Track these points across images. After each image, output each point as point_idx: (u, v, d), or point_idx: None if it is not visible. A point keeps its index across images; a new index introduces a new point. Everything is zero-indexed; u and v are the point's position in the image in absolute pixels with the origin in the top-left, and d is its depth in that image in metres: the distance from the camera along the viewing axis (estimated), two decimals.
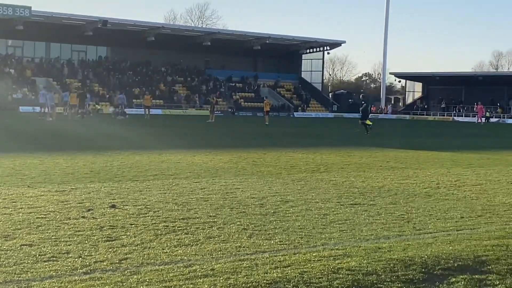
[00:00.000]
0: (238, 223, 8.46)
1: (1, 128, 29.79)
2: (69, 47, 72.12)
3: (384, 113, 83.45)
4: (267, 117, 44.10)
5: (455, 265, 6.58)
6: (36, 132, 27.66)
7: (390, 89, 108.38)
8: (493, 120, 72.78)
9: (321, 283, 5.81)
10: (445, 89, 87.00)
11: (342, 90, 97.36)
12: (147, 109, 50.15)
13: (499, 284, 6.02)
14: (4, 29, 63.57)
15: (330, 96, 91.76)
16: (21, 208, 8.98)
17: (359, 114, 39.55)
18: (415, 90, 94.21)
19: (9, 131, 27.84)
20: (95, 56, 73.46)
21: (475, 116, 68.81)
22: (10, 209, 8.88)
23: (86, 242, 7.13)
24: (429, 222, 8.98)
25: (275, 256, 6.74)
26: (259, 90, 79.69)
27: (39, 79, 63.30)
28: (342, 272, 6.15)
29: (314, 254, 6.83)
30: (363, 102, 43.10)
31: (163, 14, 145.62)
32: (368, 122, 34.31)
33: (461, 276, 6.20)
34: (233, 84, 78.51)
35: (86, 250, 6.75)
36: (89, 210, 9.06)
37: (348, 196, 11.13)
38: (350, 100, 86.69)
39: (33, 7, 61.81)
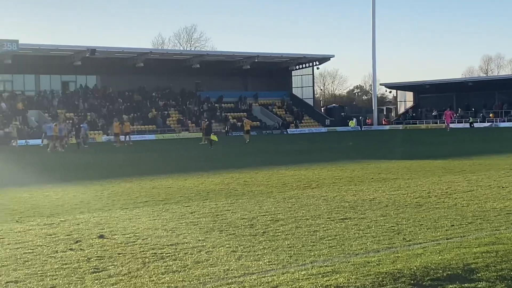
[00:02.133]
0: (227, 245, 8.41)
1: None
2: (58, 78, 72.13)
3: (369, 125, 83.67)
4: (247, 135, 45.14)
5: (444, 274, 6.54)
6: (28, 165, 27.55)
7: (381, 100, 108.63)
8: (483, 125, 73.06)
9: None
10: (436, 97, 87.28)
11: (334, 104, 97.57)
12: (123, 136, 49.20)
13: None
14: None
15: (322, 110, 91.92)
16: (9, 244, 8.91)
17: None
18: (407, 100, 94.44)
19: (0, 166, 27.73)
20: (85, 85, 73.46)
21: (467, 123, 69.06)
22: None
23: (73, 275, 7.07)
24: (419, 232, 8.94)
25: (263, 277, 6.69)
26: (251, 109, 79.78)
27: (30, 111, 63.28)
28: None
29: (302, 273, 6.78)
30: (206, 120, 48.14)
31: (150, 39, 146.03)
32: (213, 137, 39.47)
33: (450, 286, 6.16)
34: (225, 105, 78.61)
35: (72, 284, 6.70)
36: (77, 241, 9.00)
37: (338, 211, 11.10)
38: (342, 114, 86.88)
39: (20, 40, 61.93)
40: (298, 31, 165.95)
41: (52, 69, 69.59)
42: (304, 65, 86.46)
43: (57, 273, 7.17)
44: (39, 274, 7.13)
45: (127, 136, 49.34)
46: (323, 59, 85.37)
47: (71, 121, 56.89)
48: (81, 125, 52.08)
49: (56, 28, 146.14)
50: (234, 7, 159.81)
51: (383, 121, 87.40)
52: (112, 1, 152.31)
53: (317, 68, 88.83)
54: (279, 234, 9.14)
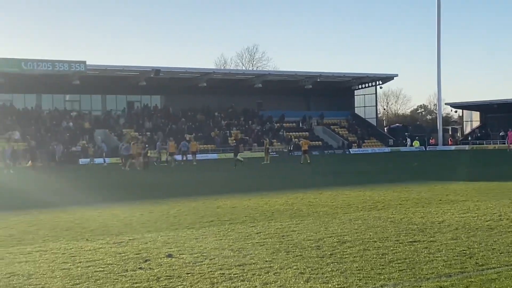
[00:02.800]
0: (295, 267, 8.38)
1: (60, 182, 30.36)
2: (124, 98, 73.56)
3: (434, 145, 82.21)
4: (306, 156, 44.05)
5: None
6: (95, 184, 28.10)
7: (446, 119, 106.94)
8: None
9: None
10: (504, 117, 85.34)
11: (397, 124, 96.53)
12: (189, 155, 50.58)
13: None
14: (61, 84, 65.40)
15: (385, 130, 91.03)
16: (80, 262, 9.09)
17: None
18: (473, 120, 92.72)
19: (68, 184, 28.33)
20: (150, 105, 74.69)
21: None
22: (69, 264, 9.00)
23: None
24: (492, 256, 8.73)
25: None
26: (313, 128, 79.63)
27: (97, 131, 64.65)
28: None
29: None
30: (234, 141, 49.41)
31: (213, 59, 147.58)
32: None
33: None
34: (287, 124, 78.68)
35: None
36: (146, 260, 9.11)
37: (407, 234, 10.94)
38: (406, 134, 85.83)
39: (88, 61, 63.49)
40: (361, 50, 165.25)
41: (118, 89, 71.04)
42: (367, 85, 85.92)
43: None
44: None
45: (193, 155, 50.04)
46: (387, 78, 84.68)
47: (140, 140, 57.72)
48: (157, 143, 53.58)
49: (121, 49, 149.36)
50: (296, 27, 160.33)
51: (449, 141, 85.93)
52: (177, 23, 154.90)
53: (380, 88, 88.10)
54: (347, 256, 9.06)
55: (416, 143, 78.52)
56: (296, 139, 73.75)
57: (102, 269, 8.60)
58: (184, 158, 51.10)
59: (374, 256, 9.02)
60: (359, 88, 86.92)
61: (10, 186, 27.66)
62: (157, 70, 67.45)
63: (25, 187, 27.04)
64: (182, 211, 15.38)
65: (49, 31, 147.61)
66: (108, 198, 20.04)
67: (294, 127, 78.85)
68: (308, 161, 42.54)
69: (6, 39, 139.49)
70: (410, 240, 10.28)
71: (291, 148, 69.53)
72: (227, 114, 77.20)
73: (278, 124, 78.00)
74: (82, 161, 55.58)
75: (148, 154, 44.61)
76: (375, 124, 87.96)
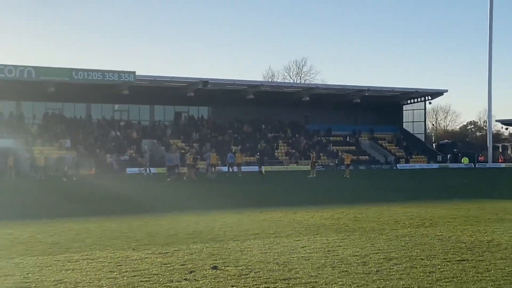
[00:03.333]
0: (340, 282, 8.33)
1: (109, 191, 30.76)
2: (172, 108, 74.29)
3: (483, 162, 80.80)
4: (348, 170, 46.14)
5: None
6: (140, 192, 28.39)
7: (497, 136, 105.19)
8: None
9: None
10: None
11: (446, 140, 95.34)
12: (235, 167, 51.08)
13: None
14: (110, 94, 66.37)
15: (434, 146, 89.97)
16: (126, 272, 9.18)
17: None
18: None
19: (116, 194, 28.68)
20: (197, 116, 75.27)
21: None
22: (116, 273, 9.10)
23: None
24: None
25: None
26: (359, 143, 79.17)
27: (144, 140, 65.36)
28: None
29: None
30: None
31: (261, 72, 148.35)
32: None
33: None
34: (334, 138, 78.41)
35: None
36: (191, 272, 9.16)
37: (455, 252, 10.78)
38: (455, 150, 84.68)
39: (137, 72, 64.31)
40: (411, 64, 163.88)
41: (166, 100, 71.76)
42: (416, 100, 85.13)
43: None
44: None
45: (239, 167, 50.35)
46: (436, 93, 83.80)
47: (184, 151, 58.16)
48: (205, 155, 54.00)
49: (170, 60, 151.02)
50: (345, 40, 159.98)
51: (500, 159, 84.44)
52: (225, 35, 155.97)
53: (430, 103, 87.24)
54: (393, 273, 8.97)
55: (465, 160, 77.41)
56: (343, 153, 73.41)
57: (147, 279, 8.67)
58: (230, 170, 51.37)
59: (421, 274, 8.91)
60: (407, 103, 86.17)
61: (67, 193, 28.15)
62: (205, 82, 67.95)
63: (84, 194, 27.48)
64: (227, 223, 15.42)
65: (99, 41, 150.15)
66: (153, 208, 20.23)
67: (341, 141, 78.51)
68: (347, 176, 43.10)
69: (56, 48, 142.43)
70: (458, 258, 10.13)
71: (337, 162, 69.19)
72: (274, 126, 77.28)
73: (325, 138, 77.77)
74: (129, 170, 56.20)
75: (197, 166, 45.08)
76: (424, 140, 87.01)
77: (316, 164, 49.55)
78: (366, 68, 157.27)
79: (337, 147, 75.96)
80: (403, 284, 8.20)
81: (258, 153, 53.33)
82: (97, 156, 58.73)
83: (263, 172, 43.83)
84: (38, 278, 8.73)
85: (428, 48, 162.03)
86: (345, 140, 79.09)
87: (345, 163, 48.44)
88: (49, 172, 47.96)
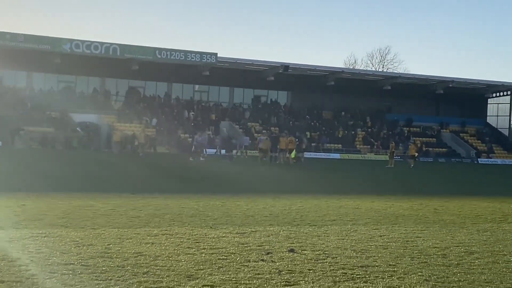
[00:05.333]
0: (420, 273, 8.20)
1: (187, 171, 31.22)
2: (251, 91, 74.61)
3: None
4: (412, 160, 45.80)
5: None
6: (218, 174, 28.70)
7: None
8: None
9: None
10: None
11: None
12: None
13: None
14: (191, 74, 67.16)
15: None
16: (204, 249, 9.30)
17: None
18: None
19: (195, 173, 29.08)
20: (276, 100, 75.39)
21: None
22: (194, 249, 9.23)
23: (265, 285, 7.23)
24: None
25: None
26: (440, 135, 77.67)
27: (223, 122, 65.95)
28: None
29: None
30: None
31: (343, 58, 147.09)
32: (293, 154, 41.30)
33: None
34: (414, 129, 77.18)
35: None
36: (268, 253, 9.20)
37: None
38: None
39: (218, 54, 64.82)
40: (497, 57, 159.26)
41: (246, 83, 72.09)
42: (501, 93, 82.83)
43: (250, 282, 7.37)
44: (233, 281, 7.36)
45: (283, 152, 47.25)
46: None
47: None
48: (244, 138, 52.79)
49: (250, 43, 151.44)
50: (431, 29, 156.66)
51: None
52: (308, 20, 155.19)
53: None
54: (475, 267, 8.77)
55: None
56: (423, 145, 72.20)
57: (225, 257, 8.76)
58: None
59: (504, 269, 8.68)
60: (493, 97, 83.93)
61: (146, 170, 28.78)
62: (286, 66, 67.88)
63: (163, 172, 28.03)
64: (304, 208, 15.42)
65: (182, 22, 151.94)
66: (229, 189, 20.42)
67: (421, 132, 77.23)
68: (412, 166, 43.58)
69: (141, 26, 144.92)
70: None
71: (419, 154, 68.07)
72: (354, 114, 76.64)
73: (405, 128, 76.68)
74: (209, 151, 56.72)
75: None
76: (507, 135, 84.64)
77: (394, 154, 48.82)
78: (451, 59, 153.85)
79: (418, 138, 74.75)
80: (485, 279, 8.01)
81: (392, 142, 52.20)
82: (175, 135, 59.66)
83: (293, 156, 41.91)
84: (119, 250, 8.94)
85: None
86: (425, 131, 77.75)
87: (410, 154, 47.64)
88: (125, 148, 48.99)
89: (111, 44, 60.66)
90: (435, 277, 8.02)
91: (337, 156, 63.75)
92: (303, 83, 73.06)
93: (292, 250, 9.48)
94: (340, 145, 68.39)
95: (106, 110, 61.51)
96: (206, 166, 34.96)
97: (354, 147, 69.68)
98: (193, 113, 66.51)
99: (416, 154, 48.50)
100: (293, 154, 41.90)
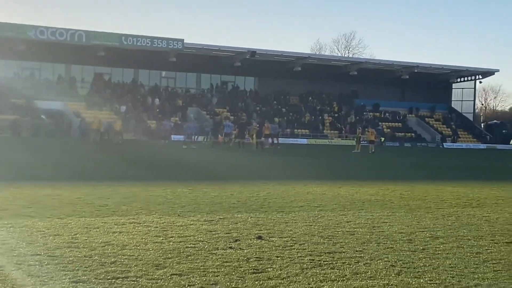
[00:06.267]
0: (386, 259, 8.28)
1: (154, 157, 31.09)
2: (218, 77, 74.47)
3: None
4: (372, 146, 45.66)
5: None
6: (186, 161, 28.62)
7: None
8: None
9: None
10: None
11: (495, 121, 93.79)
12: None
13: None
14: (158, 61, 66.77)
15: (482, 126, 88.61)
16: (172, 237, 9.27)
17: None
18: None
19: (160, 160, 28.97)
20: (243, 86, 75.35)
21: None
22: (161, 238, 9.20)
23: (234, 273, 7.24)
24: None
25: None
26: (406, 120, 78.38)
27: (190, 108, 65.72)
28: None
29: None
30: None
31: (309, 44, 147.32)
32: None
33: None
34: (379, 114, 77.76)
35: (233, 282, 6.86)
36: (236, 240, 9.21)
37: (502, 234, 10.62)
38: (504, 131, 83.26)
39: (185, 40, 64.45)
40: (461, 42, 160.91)
41: (213, 69, 71.91)
42: (465, 78, 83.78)
43: (219, 270, 7.37)
44: (202, 269, 7.36)
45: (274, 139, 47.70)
46: (487, 73, 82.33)
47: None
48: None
49: (218, 29, 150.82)
50: (395, 15, 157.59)
51: None
52: (274, 6, 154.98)
53: (480, 82, 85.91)
54: (440, 252, 8.88)
55: None
56: (389, 130, 72.75)
57: (193, 245, 8.74)
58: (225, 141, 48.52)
59: (468, 254, 8.81)
60: (457, 82, 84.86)
61: (113, 158, 28.57)
62: (252, 52, 67.84)
63: (130, 159, 27.84)
64: (272, 194, 15.45)
65: (148, 8, 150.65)
66: (197, 176, 20.39)
67: (387, 118, 77.84)
68: (372, 151, 43.95)
69: (106, 14, 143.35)
70: (507, 241, 9.98)
71: (384, 139, 68.71)
72: (320, 99, 76.92)
73: (371, 114, 77.21)
74: (174, 137, 56.53)
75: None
76: (472, 120, 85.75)
77: (361, 139, 49.17)
78: (416, 45, 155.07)
79: (384, 123, 75.35)
80: (450, 264, 8.12)
81: (359, 127, 52.48)
82: (141, 121, 59.31)
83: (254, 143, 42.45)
84: (86, 239, 8.88)
85: (480, 26, 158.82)
86: (392, 116, 78.38)
87: (369, 139, 47.64)
88: (104, 136, 48.61)
89: (77, 30, 60.06)
90: (400, 262, 8.10)
91: (304, 141, 63.96)
92: (269, 68, 73.11)
93: (260, 237, 9.51)
94: (307, 131, 68.65)
95: (72, 97, 60.89)
96: (176, 153, 34.86)
97: (321, 132, 70.00)
98: (157, 99, 66.11)
99: (375, 139, 48.83)
100: (254, 140, 42.29)
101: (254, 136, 45.13)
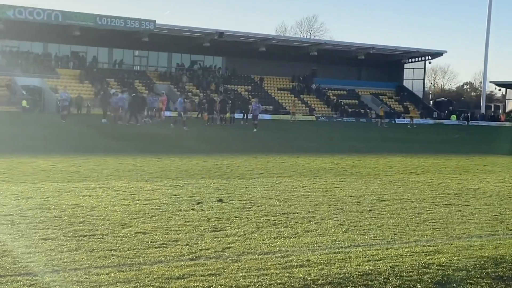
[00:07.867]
0: (335, 219, 8.38)
1: (125, 132, 30.85)
2: (188, 57, 73.97)
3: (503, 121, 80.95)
4: (382, 121, 54.63)
5: None
6: (158, 135, 28.48)
7: (490, 97, 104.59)
8: None
9: (412, 276, 5.67)
10: None
11: (442, 98, 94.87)
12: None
13: None
14: (131, 40, 66.00)
15: (431, 103, 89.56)
16: (139, 200, 9.26)
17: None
18: None
19: (131, 135, 28.77)
20: (212, 65, 75.01)
21: None
22: (129, 201, 9.18)
23: (194, 231, 7.27)
24: None
25: (368, 250, 6.64)
26: (361, 97, 78.85)
27: (160, 85, 65.20)
28: (432, 267, 5.99)
29: (406, 250, 6.68)
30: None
31: (274, 26, 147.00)
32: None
33: None
34: (338, 92, 78.09)
35: (193, 239, 6.88)
36: (198, 203, 9.23)
37: (443, 197, 10.81)
38: (450, 108, 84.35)
39: (157, 21, 63.78)
40: (413, 25, 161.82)
41: (183, 49, 71.39)
42: (416, 59, 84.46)
43: (180, 228, 7.39)
44: (164, 228, 7.37)
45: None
46: (436, 54, 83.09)
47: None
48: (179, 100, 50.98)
49: (187, 10, 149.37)
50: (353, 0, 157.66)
51: (501, 117, 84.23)
52: None
53: (429, 63, 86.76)
54: (385, 213, 9.01)
55: (454, 117, 78.09)
56: (346, 106, 73.09)
57: (158, 207, 8.75)
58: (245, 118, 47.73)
59: (410, 214, 8.95)
60: (408, 62, 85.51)
61: (89, 131, 28.25)
62: (220, 33, 67.46)
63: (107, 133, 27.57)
64: (234, 163, 15.48)
65: None
66: (167, 149, 20.32)
67: (344, 95, 78.23)
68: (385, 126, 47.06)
69: None
70: (446, 203, 10.16)
71: (340, 115, 69.12)
72: (282, 79, 76.92)
73: (330, 91, 77.50)
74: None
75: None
76: (421, 97, 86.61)
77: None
78: (372, 28, 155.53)
79: (341, 100, 75.71)
80: (393, 223, 8.24)
81: (230, 101, 48.22)
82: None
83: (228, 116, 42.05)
84: (57, 202, 8.82)
85: (430, 9, 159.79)
86: (348, 93, 78.81)
87: (380, 114, 55.97)
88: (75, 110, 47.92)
89: (53, 10, 58.97)
90: (348, 221, 8.21)
91: (268, 117, 63.95)
92: (236, 49, 72.83)
93: (220, 200, 9.54)
94: (271, 107, 68.70)
95: (49, 74, 60.00)
96: (149, 127, 34.64)
97: (284, 108, 70.09)
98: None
99: (383, 114, 56.51)
100: (228, 115, 42.03)
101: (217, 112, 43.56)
